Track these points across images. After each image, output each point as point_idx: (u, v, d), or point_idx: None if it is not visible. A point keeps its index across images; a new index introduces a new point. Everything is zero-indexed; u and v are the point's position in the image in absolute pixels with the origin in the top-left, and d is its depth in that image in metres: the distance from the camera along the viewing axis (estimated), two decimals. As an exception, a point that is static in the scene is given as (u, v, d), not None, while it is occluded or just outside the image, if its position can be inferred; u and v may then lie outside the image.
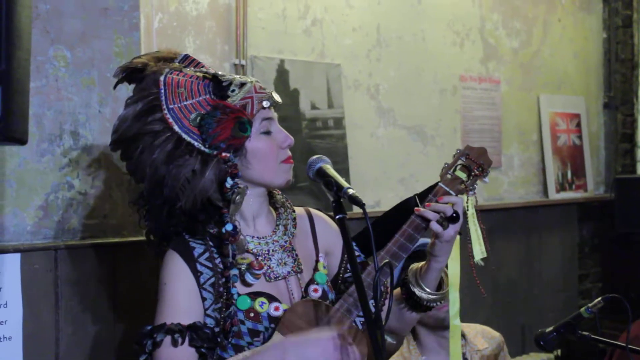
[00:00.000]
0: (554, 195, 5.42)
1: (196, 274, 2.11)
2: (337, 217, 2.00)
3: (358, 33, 4.28)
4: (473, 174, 2.34)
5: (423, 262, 2.35)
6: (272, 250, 2.21)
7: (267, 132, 2.19)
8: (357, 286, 1.98)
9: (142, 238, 2.81)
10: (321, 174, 2.10)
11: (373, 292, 1.98)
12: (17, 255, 2.58)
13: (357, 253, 2.38)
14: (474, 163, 2.34)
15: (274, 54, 3.85)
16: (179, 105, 2.13)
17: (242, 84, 2.17)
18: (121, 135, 2.17)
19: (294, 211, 2.35)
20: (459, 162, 2.36)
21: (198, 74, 2.21)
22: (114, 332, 2.78)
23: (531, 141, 5.36)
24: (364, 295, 1.94)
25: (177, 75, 2.18)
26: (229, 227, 2.11)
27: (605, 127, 5.99)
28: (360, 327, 2.22)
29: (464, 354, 3.17)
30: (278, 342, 2.06)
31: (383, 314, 2.31)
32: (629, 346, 2.86)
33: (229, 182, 2.10)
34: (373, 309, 2.00)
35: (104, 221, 2.80)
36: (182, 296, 2.10)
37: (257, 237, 2.22)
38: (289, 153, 2.25)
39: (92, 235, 2.77)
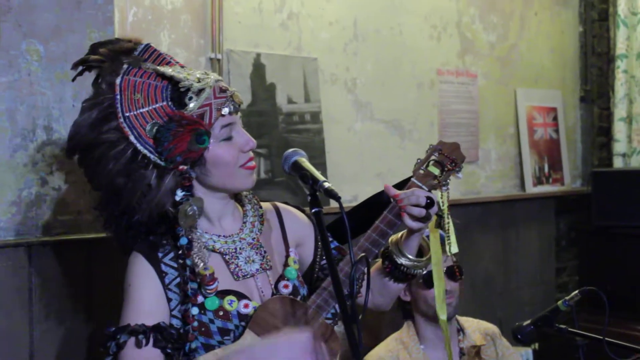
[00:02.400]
0: (531, 189, 5.43)
1: (161, 275, 2.10)
2: (313, 210, 1.98)
3: (335, 27, 4.26)
4: (446, 169, 2.33)
5: (401, 233, 2.35)
6: (240, 248, 2.20)
7: (228, 139, 2.15)
8: (334, 281, 1.96)
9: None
10: (297, 167, 2.08)
11: (349, 287, 1.97)
12: (-10, 252, 2.56)
13: (330, 239, 2.38)
14: (447, 158, 2.33)
15: (250, 48, 3.82)
16: (135, 113, 2.08)
17: (200, 90, 2.10)
18: (76, 144, 2.14)
19: (261, 207, 2.34)
20: (432, 157, 2.35)
21: (158, 71, 2.14)
22: (88, 329, 2.76)
23: (508, 135, 5.37)
24: (340, 290, 1.93)
25: (135, 76, 2.12)
26: (183, 241, 2.09)
27: (581, 120, 6.01)
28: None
29: (461, 349, 3.21)
30: (247, 347, 2.05)
31: None
32: (606, 339, 2.88)
33: (179, 195, 2.07)
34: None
35: (79, 217, 2.77)
36: (146, 297, 2.08)
37: (224, 236, 2.20)
38: (251, 155, 2.20)
39: (67, 232, 2.74)
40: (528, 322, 2.98)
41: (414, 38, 4.70)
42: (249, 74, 3.77)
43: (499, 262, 5.24)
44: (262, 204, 2.36)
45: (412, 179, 2.30)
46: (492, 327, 3.40)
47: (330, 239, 2.39)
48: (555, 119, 5.69)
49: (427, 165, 2.33)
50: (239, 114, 2.21)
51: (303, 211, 2.45)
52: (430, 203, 2.20)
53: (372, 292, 2.42)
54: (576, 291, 2.94)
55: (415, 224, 2.21)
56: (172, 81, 2.12)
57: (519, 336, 2.98)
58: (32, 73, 2.69)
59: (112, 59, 2.17)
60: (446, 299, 3.04)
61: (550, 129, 5.65)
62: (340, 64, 4.29)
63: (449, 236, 2.35)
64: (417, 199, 2.20)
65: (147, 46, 2.22)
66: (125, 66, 2.14)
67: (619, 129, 5.68)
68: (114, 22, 2.90)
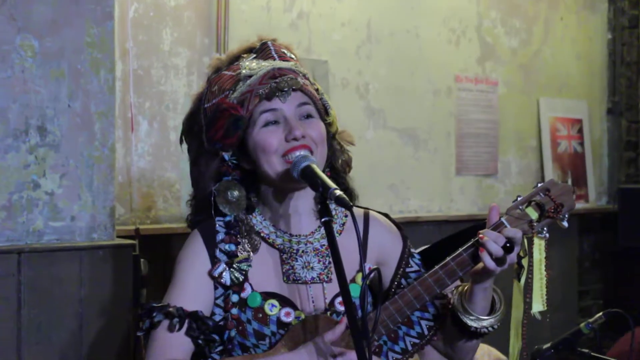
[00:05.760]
0: (554, 206, 5.43)
1: (213, 260, 2.14)
2: (323, 220, 1.98)
3: (347, 28, 4.29)
4: (546, 214, 2.16)
5: (467, 285, 2.21)
6: (302, 251, 2.18)
7: (270, 124, 2.14)
8: (344, 298, 1.95)
9: (113, 242, 2.83)
10: (307, 173, 2.07)
11: (360, 300, 1.96)
12: (-23, 259, 2.58)
13: (416, 268, 2.31)
14: (552, 202, 2.17)
15: (257, 49, 3.84)
16: (210, 104, 2.19)
17: (248, 77, 2.16)
18: (181, 135, 2.32)
19: (346, 216, 2.28)
20: (536, 198, 2.18)
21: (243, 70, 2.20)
22: (80, 341, 2.76)
23: (530, 147, 5.39)
24: (349, 304, 1.92)
25: (228, 70, 2.22)
26: (231, 247, 2.16)
27: (608, 133, 6.02)
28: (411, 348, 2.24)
29: None
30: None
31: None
32: (632, 365, 2.88)
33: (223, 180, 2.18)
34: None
35: (72, 223, 2.79)
36: (192, 280, 2.13)
37: (290, 234, 2.20)
38: (294, 145, 2.11)
39: (59, 238, 2.76)
40: (548, 345, 2.97)
41: (431, 42, 4.72)
42: (255, 76, 3.79)
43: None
44: (355, 209, 2.23)
45: (502, 219, 2.14)
46: (497, 352, 3.39)
47: (417, 268, 2.32)
48: (580, 131, 5.71)
49: (527, 206, 2.16)
50: (297, 102, 2.16)
51: (397, 224, 2.40)
52: (509, 247, 2.08)
53: (443, 342, 2.32)
54: (600, 313, 2.93)
55: (491, 264, 2.08)
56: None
57: (538, 360, 2.98)
58: (26, 70, 2.71)
59: (232, 59, 2.27)
60: None
61: (575, 141, 5.66)
62: (352, 68, 4.31)
63: (532, 291, 2.24)
64: (497, 239, 2.09)
65: (264, 44, 2.28)
66: (226, 66, 2.26)
67: (649, 144, 5.70)
68: (113, 17, 2.91)
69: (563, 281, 5.61)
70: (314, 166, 2.06)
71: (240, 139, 2.15)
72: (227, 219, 2.20)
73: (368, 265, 2.26)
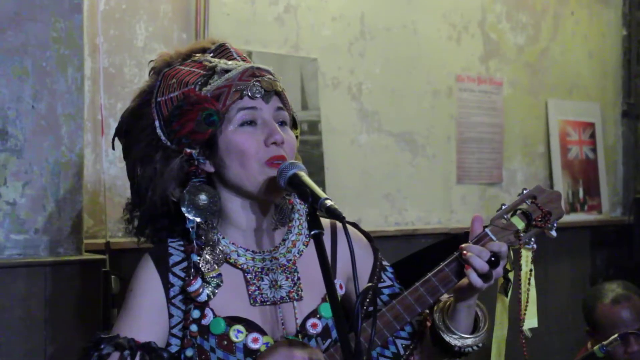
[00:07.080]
0: (563, 217, 5.42)
1: (167, 286, 2.13)
2: (312, 233, 1.97)
3: (338, 23, 4.28)
4: (533, 223, 2.21)
5: (448, 301, 2.24)
6: (268, 269, 2.17)
7: (247, 124, 2.14)
8: (335, 317, 1.94)
9: (81, 257, 2.81)
10: (295, 182, 2.06)
11: (354, 319, 1.95)
12: None
13: (389, 283, 2.33)
14: (539, 210, 2.22)
15: (240, 45, 3.81)
16: (166, 97, 2.17)
17: (225, 71, 2.16)
18: (116, 132, 2.28)
19: None
20: (522, 206, 2.22)
21: (206, 63, 2.20)
22: (44, 367, 2.76)
23: (537, 153, 5.39)
24: (342, 326, 1.91)
25: (185, 66, 2.21)
26: (194, 257, 2.12)
27: (623, 139, 6.03)
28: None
29: None
30: None
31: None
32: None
33: (192, 182, 2.13)
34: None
35: (36, 236, 2.78)
36: (145, 309, 2.11)
37: (253, 251, 2.19)
38: (277, 153, 2.14)
39: (21, 253, 2.75)
40: (559, 370, 2.98)
41: (430, 38, 4.72)
42: (237, 74, 3.78)
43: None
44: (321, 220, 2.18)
45: (487, 230, 2.17)
46: None
47: (390, 283, 2.34)
48: (592, 136, 5.71)
49: (513, 215, 2.20)
50: (276, 105, 2.19)
51: (366, 235, 2.39)
52: (495, 262, 2.09)
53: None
54: (615, 335, 2.94)
55: (477, 281, 2.10)
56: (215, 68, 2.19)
57: (547, 387, 2.98)
58: (-14, 67, 2.71)
59: (184, 57, 2.27)
60: None
61: (587, 147, 5.67)
62: (343, 66, 4.31)
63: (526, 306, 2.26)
64: (481, 253, 2.10)
65: (222, 45, 2.30)
66: (180, 60, 2.25)
67: (667, 150, 5.71)
68: (82, 10, 2.91)
69: (573, 299, 5.59)
70: (302, 174, 2.06)
71: (210, 137, 2.13)
72: (180, 241, 2.18)
73: (339, 282, 2.27)
